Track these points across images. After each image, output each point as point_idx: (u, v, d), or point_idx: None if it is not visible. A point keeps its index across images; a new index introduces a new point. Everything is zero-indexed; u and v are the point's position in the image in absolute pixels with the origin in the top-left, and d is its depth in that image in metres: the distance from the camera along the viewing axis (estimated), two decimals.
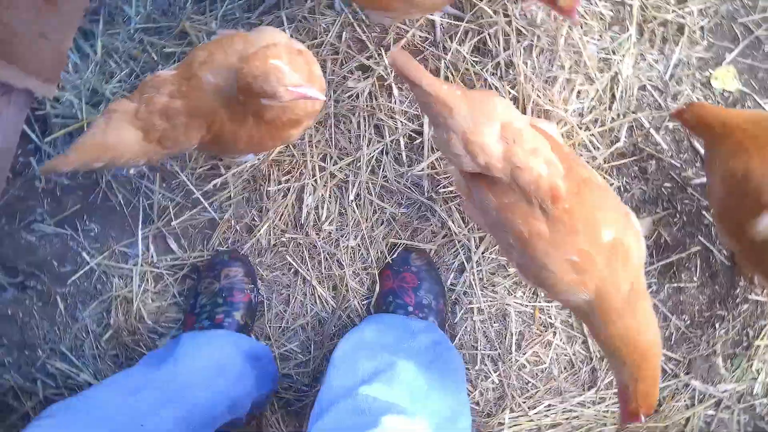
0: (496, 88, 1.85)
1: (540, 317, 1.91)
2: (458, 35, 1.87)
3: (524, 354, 1.92)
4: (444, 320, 1.88)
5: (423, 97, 1.31)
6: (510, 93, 1.86)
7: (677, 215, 1.90)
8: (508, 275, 1.91)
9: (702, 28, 1.90)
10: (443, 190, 1.89)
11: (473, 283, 1.91)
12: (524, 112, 1.85)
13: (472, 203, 1.44)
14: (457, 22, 1.87)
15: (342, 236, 1.91)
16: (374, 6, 1.63)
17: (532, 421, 1.92)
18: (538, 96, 1.85)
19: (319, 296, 1.93)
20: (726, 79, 1.88)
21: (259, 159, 1.90)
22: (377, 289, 1.89)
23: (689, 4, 1.88)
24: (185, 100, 1.42)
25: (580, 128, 1.87)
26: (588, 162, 1.86)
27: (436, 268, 1.90)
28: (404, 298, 1.82)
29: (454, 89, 1.31)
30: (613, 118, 1.88)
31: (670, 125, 1.89)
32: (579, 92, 1.87)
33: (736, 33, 1.91)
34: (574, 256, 1.29)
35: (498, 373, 1.92)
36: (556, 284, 1.34)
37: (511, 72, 1.86)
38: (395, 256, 1.90)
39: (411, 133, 1.89)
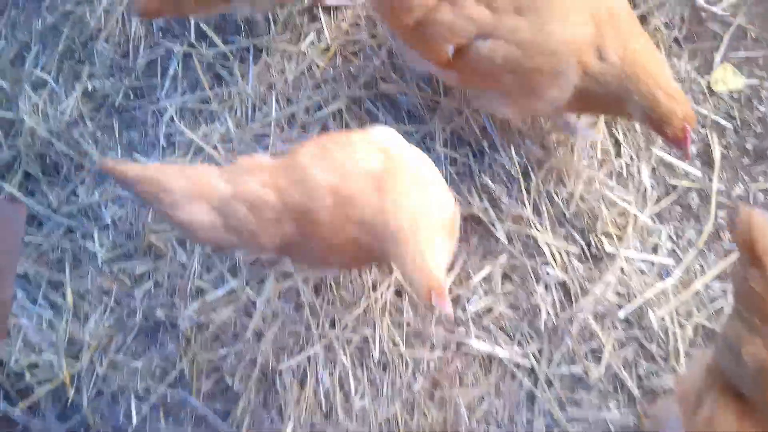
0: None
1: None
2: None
3: None
4: None
5: (759, 284, 1.02)
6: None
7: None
8: (592, 386, 1.53)
9: (676, 39, 1.72)
10: (471, 307, 1.59)
11: (551, 410, 1.53)
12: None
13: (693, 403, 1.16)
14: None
15: (379, 407, 1.58)
16: None
17: None
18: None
19: None
20: (726, 78, 1.66)
21: (258, 350, 1.64)
22: None
23: (650, 20, 1.73)
24: (279, 194, 1.21)
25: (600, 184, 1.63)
26: (630, 217, 1.59)
27: None
28: None
29: None
30: (626, 164, 1.63)
31: (694, 150, 1.64)
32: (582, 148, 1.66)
33: (712, 30, 1.73)
34: None
35: None
36: None
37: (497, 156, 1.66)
38: None
39: None
